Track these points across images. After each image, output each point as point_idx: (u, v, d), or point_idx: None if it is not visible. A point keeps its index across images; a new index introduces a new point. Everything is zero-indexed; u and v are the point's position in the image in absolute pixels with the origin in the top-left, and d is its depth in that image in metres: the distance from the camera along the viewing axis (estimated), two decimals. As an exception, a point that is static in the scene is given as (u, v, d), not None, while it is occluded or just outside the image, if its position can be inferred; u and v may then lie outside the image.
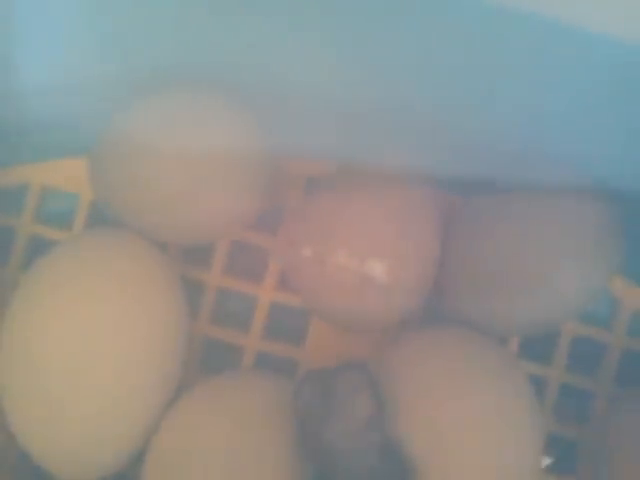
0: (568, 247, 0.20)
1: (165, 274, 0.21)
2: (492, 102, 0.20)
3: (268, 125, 0.21)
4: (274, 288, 0.23)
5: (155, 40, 0.21)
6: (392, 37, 0.19)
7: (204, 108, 0.21)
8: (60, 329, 0.19)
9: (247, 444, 0.19)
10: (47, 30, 0.20)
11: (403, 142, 0.22)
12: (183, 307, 0.21)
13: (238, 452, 0.19)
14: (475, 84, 0.20)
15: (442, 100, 0.21)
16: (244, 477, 0.19)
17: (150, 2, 0.20)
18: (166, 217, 0.21)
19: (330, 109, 0.21)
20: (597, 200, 0.20)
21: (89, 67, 0.21)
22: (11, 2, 0.19)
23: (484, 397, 0.19)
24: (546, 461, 0.20)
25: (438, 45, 0.19)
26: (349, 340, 0.23)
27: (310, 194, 0.23)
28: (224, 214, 0.21)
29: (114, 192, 0.21)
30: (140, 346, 0.20)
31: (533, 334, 0.22)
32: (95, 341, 0.19)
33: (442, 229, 0.22)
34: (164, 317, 0.21)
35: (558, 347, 0.23)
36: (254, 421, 0.20)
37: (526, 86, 0.20)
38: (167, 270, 0.21)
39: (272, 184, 0.22)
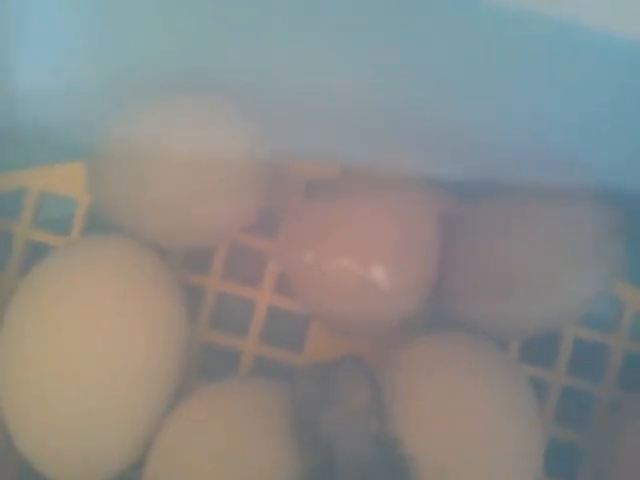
0: (570, 250, 0.20)
1: (164, 279, 0.21)
2: (495, 104, 0.20)
3: (268, 128, 0.21)
4: (272, 292, 0.23)
5: (153, 43, 0.21)
6: (394, 38, 0.19)
7: (203, 111, 0.21)
8: (58, 335, 0.19)
9: (246, 449, 0.19)
10: (44, 34, 0.20)
11: (405, 145, 0.21)
12: (182, 312, 0.21)
13: (237, 457, 0.19)
14: (478, 86, 0.20)
15: (444, 102, 0.21)
16: (243, 481, 0.19)
17: (148, 5, 0.20)
18: (165, 221, 0.21)
19: (330, 111, 0.21)
20: (599, 203, 0.20)
21: (87, 71, 0.21)
22: (8, 6, 0.19)
23: (485, 400, 0.19)
24: (547, 465, 0.20)
25: (440, 46, 0.19)
26: (349, 345, 0.23)
27: (310, 197, 0.23)
28: (224, 218, 0.21)
29: (112, 196, 0.21)
30: (139, 351, 0.20)
31: (535, 337, 0.22)
32: (94, 346, 0.19)
33: (444, 232, 0.21)
34: (163, 322, 0.21)
35: (560, 350, 0.23)
36: (253, 426, 0.20)
37: (529, 88, 0.20)
38: (166, 275, 0.21)
39: (272, 187, 0.22)
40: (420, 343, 0.21)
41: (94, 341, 0.19)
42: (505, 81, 0.20)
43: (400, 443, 0.19)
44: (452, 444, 0.19)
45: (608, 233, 0.20)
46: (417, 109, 0.21)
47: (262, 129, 0.21)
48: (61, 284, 0.20)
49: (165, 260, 0.22)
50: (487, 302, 0.21)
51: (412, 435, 0.19)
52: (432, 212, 0.21)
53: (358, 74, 0.21)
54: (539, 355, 0.23)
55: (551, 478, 0.22)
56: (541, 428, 0.20)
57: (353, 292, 0.20)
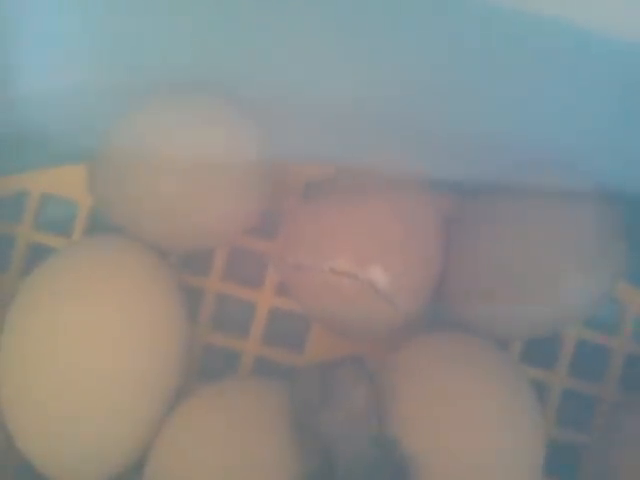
0: (571, 251, 0.20)
1: (164, 280, 0.21)
2: (494, 105, 0.20)
3: (268, 130, 0.21)
4: (273, 294, 0.23)
5: (153, 44, 0.21)
6: (393, 39, 0.19)
7: (203, 114, 0.21)
8: (59, 336, 0.19)
9: (246, 449, 0.19)
10: (46, 38, 0.21)
11: (404, 145, 0.21)
12: (183, 313, 0.21)
13: (238, 457, 0.19)
14: (477, 87, 0.20)
15: (443, 102, 0.21)
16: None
17: (149, 9, 0.20)
18: (166, 223, 0.21)
19: (330, 112, 0.21)
20: (600, 204, 0.20)
21: (88, 74, 0.21)
22: (7, 6, 0.19)
23: (485, 400, 0.19)
24: (547, 465, 0.20)
25: (439, 47, 0.19)
26: (349, 346, 0.23)
27: (309, 199, 0.23)
28: (224, 220, 0.21)
29: (113, 199, 0.21)
30: (140, 352, 0.20)
31: (536, 338, 0.22)
32: (94, 347, 0.19)
33: (444, 233, 0.21)
34: (164, 323, 0.21)
35: (561, 352, 0.23)
36: (253, 426, 0.20)
37: (528, 89, 0.20)
38: (166, 276, 0.21)
39: (271, 189, 0.22)
40: (419, 343, 0.21)
41: (95, 342, 0.19)
42: (505, 81, 0.20)
43: (399, 444, 0.19)
44: (452, 445, 0.19)
45: (609, 234, 0.20)
46: (417, 109, 0.21)
47: (263, 131, 0.21)
48: (62, 285, 0.20)
49: (166, 261, 0.22)
50: (488, 303, 0.21)
51: (411, 436, 0.19)
52: (433, 213, 0.21)
53: (358, 75, 0.21)
54: (540, 357, 0.23)
55: (551, 478, 0.22)
56: (542, 428, 0.20)
57: (353, 295, 0.20)
